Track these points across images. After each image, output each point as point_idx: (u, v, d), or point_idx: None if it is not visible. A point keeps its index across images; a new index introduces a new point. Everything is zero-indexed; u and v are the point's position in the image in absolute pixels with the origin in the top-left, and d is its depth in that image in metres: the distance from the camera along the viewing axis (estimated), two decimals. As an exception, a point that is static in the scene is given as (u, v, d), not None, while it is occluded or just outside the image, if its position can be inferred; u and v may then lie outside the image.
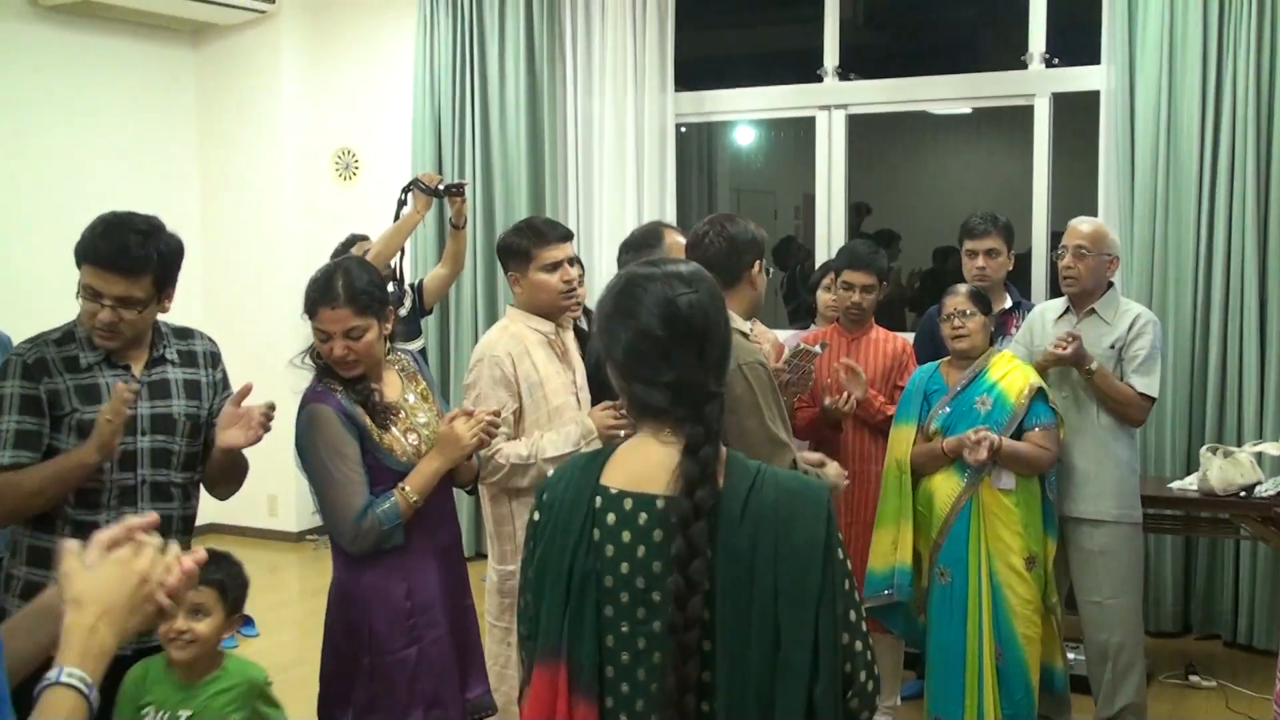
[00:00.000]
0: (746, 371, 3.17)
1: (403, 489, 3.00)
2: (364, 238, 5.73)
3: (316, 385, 3.05)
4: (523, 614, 2.03)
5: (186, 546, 3.11)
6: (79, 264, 2.87)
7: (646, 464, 1.89)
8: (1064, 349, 4.15)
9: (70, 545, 1.62)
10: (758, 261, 3.40)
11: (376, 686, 3.00)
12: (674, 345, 1.90)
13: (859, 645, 1.87)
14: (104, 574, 1.58)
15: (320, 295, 3.00)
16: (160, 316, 3.03)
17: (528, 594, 1.99)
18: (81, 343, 2.91)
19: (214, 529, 7.72)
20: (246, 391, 3.03)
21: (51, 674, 1.49)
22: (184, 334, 3.13)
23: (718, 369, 1.93)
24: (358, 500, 2.96)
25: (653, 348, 1.90)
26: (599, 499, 1.90)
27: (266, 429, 3.00)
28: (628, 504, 1.88)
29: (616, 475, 1.91)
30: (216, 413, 3.09)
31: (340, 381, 3.04)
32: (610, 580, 1.87)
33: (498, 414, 3.23)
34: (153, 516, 1.68)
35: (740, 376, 3.17)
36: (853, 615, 1.87)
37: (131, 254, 2.83)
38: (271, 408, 3.00)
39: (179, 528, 3.06)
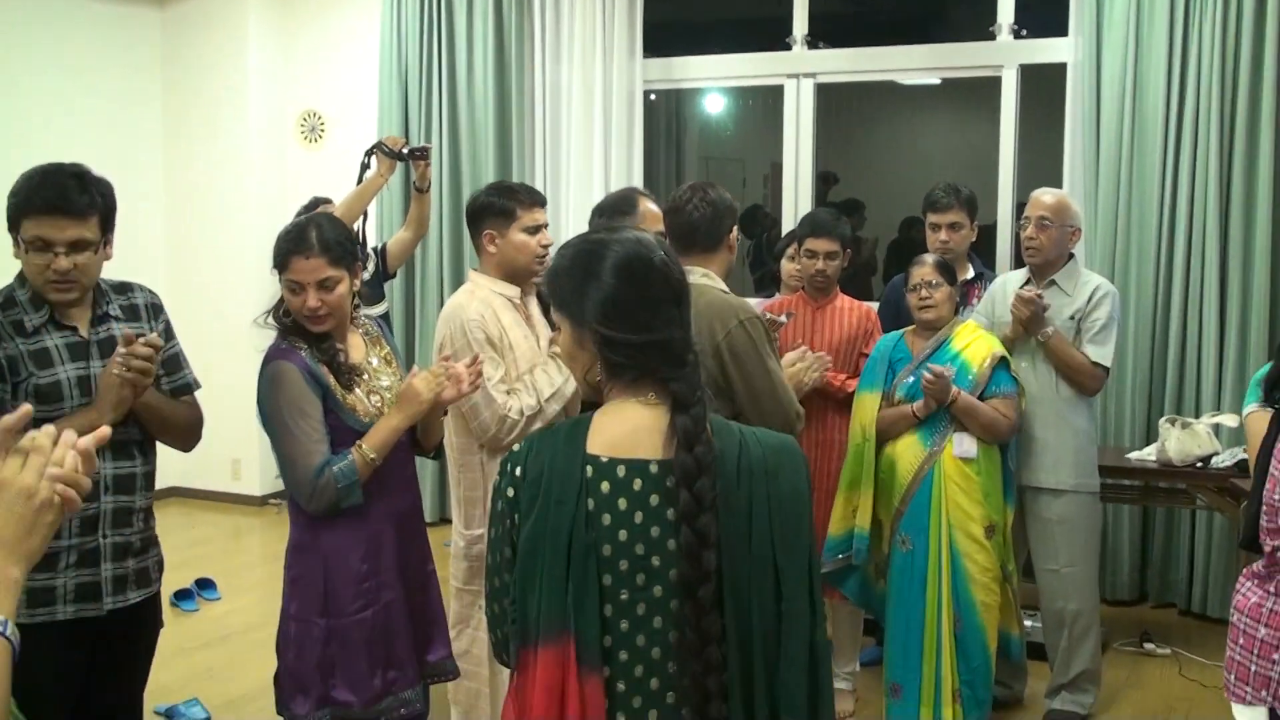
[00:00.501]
0: (748, 326, 3.27)
1: (359, 447, 2.97)
2: (327, 201, 5.70)
3: (280, 343, 3.03)
4: (496, 593, 1.98)
5: (149, 504, 3.11)
6: (18, 220, 2.81)
7: (631, 428, 1.90)
8: (1021, 311, 4.20)
9: None
10: (735, 227, 3.51)
11: (334, 649, 3.00)
12: (653, 303, 1.91)
13: (818, 591, 1.97)
14: None
15: (293, 245, 2.98)
16: (103, 274, 2.99)
17: (504, 573, 1.95)
18: (23, 306, 2.86)
19: (176, 492, 7.70)
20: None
21: None
22: (123, 289, 3.08)
23: (690, 327, 1.97)
24: (316, 458, 2.94)
25: (632, 306, 1.91)
26: (590, 468, 1.88)
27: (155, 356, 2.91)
28: (620, 471, 1.88)
29: (602, 442, 1.90)
30: (163, 364, 3.05)
31: (305, 340, 3.02)
32: (608, 549, 1.86)
33: (475, 359, 3.21)
34: (24, 409, 1.56)
35: (743, 332, 3.26)
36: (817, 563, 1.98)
37: (76, 196, 2.81)
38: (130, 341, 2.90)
39: (142, 485, 3.05)
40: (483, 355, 3.43)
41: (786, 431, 3.32)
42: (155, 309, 3.14)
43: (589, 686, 1.85)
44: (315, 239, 2.97)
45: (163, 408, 3.04)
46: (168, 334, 3.13)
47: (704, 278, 3.38)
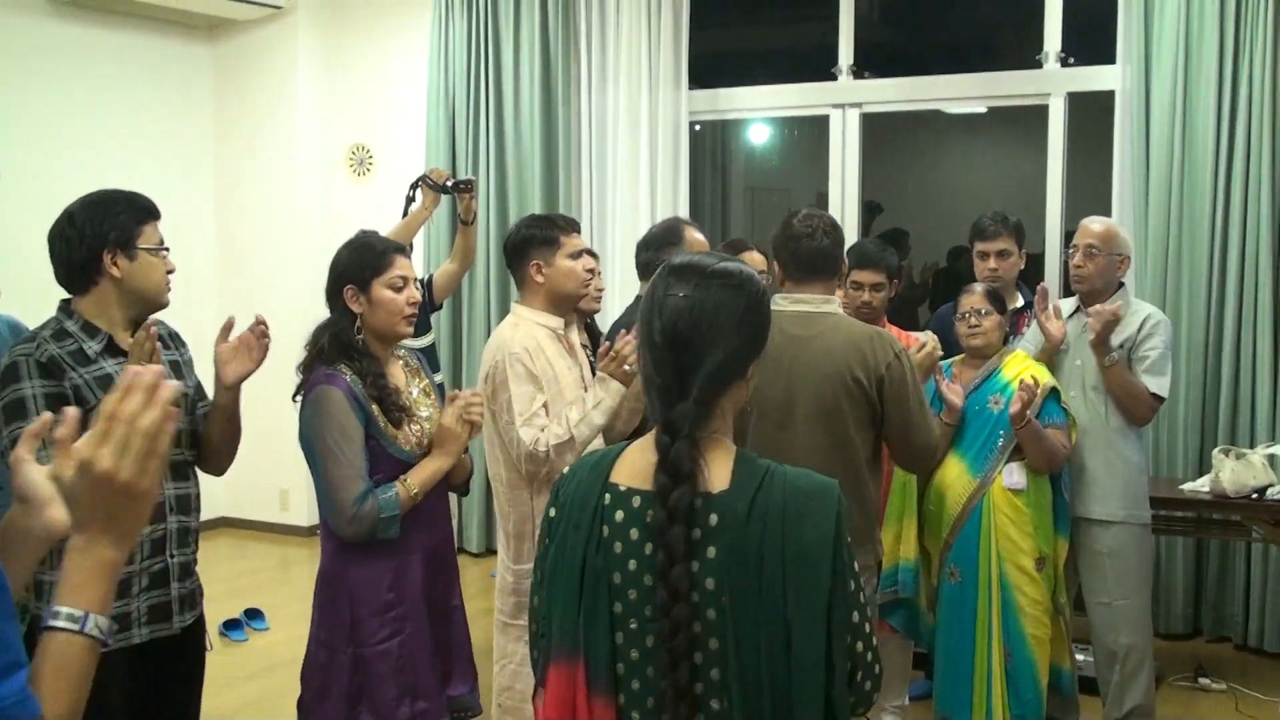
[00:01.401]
0: (903, 359, 3.35)
1: (404, 481, 3.02)
2: (374, 233, 5.73)
3: (327, 369, 3.06)
4: (535, 611, 2.03)
5: (199, 527, 3.15)
6: (138, 229, 2.92)
7: (648, 461, 1.89)
8: (1098, 324, 4.15)
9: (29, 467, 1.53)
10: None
11: (361, 677, 3.02)
12: (655, 346, 1.90)
13: (860, 646, 1.86)
14: (77, 487, 1.43)
15: (393, 248, 3.19)
16: None
17: (541, 591, 1.99)
18: (77, 335, 2.90)
19: (226, 523, 7.77)
20: (230, 325, 3.09)
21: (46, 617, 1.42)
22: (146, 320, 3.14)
23: (707, 377, 1.86)
24: (359, 484, 2.98)
25: (645, 344, 1.93)
26: (608, 495, 1.90)
27: (266, 339, 3.09)
28: (635, 501, 1.88)
29: (624, 472, 1.91)
30: (193, 390, 3.16)
31: (351, 370, 3.05)
32: (619, 577, 1.87)
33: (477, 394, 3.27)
34: (45, 417, 1.58)
35: (900, 365, 3.33)
36: (856, 616, 1.85)
37: None
38: (261, 322, 3.09)
39: (195, 506, 3.11)
40: (517, 390, 3.45)
41: (928, 460, 3.52)
42: (178, 338, 3.21)
43: (598, 710, 1.86)
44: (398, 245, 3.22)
45: (237, 416, 3.15)
46: (192, 364, 3.23)
47: (838, 308, 3.48)
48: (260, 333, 3.09)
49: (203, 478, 3.17)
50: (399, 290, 3.11)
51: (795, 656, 1.78)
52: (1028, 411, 3.93)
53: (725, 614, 1.79)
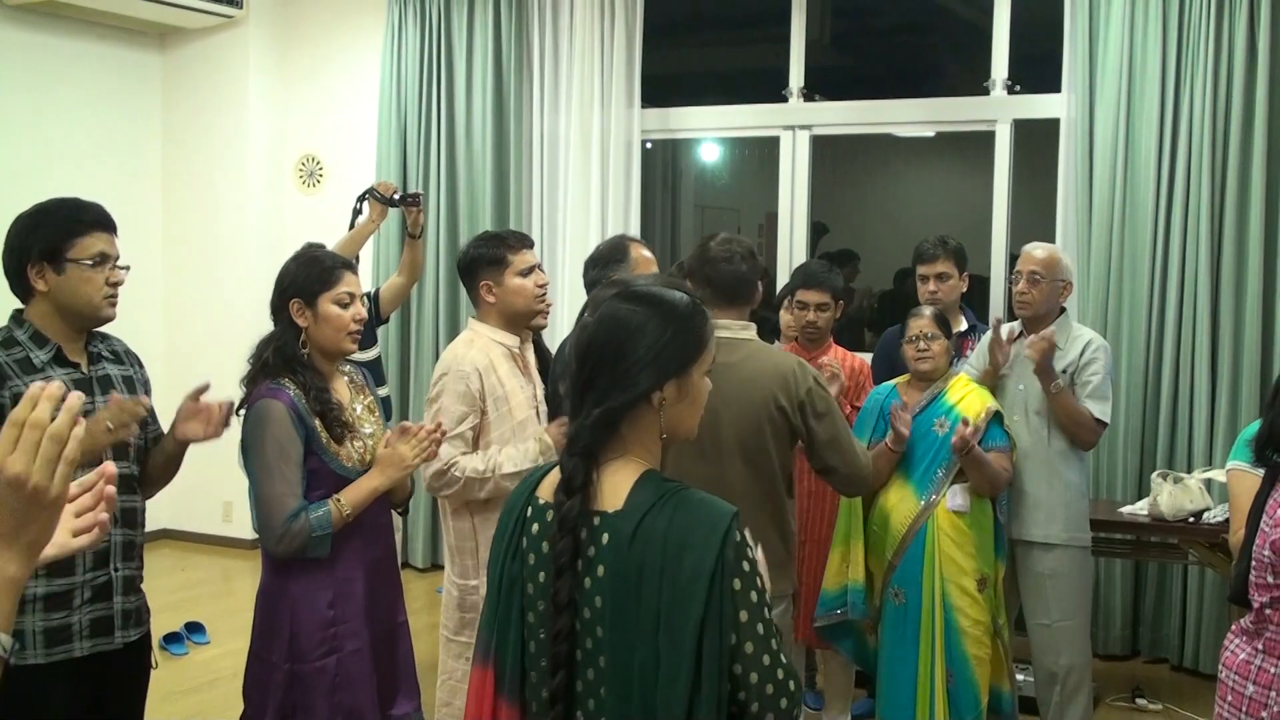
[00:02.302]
0: (821, 383, 3.41)
1: (337, 500, 2.98)
2: (320, 247, 5.70)
3: (270, 383, 3.04)
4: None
5: (143, 541, 3.13)
6: (69, 241, 2.86)
7: None
8: (1034, 355, 4.21)
9: None
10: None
11: (295, 694, 3.00)
12: (568, 365, 1.95)
13: (755, 678, 1.78)
14: None
15: (341, 262, 3.17)
16: None
17: None
18: (25, 344, 2.87)
19: (167, 535, 7.68)
20: (205, 388, 3.07)
21: None
22: (102, 335, 3.11)
23: (604, 398, 1.87)
24: (292, 501, 2.95)
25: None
26: (530, 508, 1.95)
27: (226, 425, 3.07)
28: (549, 515, 1.91)
29: (547, 486, 1.95)
30: (149, 409, 3.12)
31: (295, 384, 3.04)
32: (531, 587, 1.91)
33: (439, 426, 3.23)
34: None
35: (820, 389, 3.37)
36: (750, 647, 1.78)
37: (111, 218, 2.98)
38: (232, 405, 3.06)
39: (140, 520, 3.09)
40: (450, 406, 3.44)
41: (862, 483, 3.49)
42: (135, 355, 3.18)
43: (503, 713, 1.92)
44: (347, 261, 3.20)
45: (179, 455, 3.13)
46: (149, 383, 3.19)
47: (755, 335, 3.47)
48: (223, 419, 3.06)
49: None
50: (346, 306, 3.10)
51: (660, 685, 1.75)
52: (971, 441, 3.98)
53: (609, 633, 1.81)
